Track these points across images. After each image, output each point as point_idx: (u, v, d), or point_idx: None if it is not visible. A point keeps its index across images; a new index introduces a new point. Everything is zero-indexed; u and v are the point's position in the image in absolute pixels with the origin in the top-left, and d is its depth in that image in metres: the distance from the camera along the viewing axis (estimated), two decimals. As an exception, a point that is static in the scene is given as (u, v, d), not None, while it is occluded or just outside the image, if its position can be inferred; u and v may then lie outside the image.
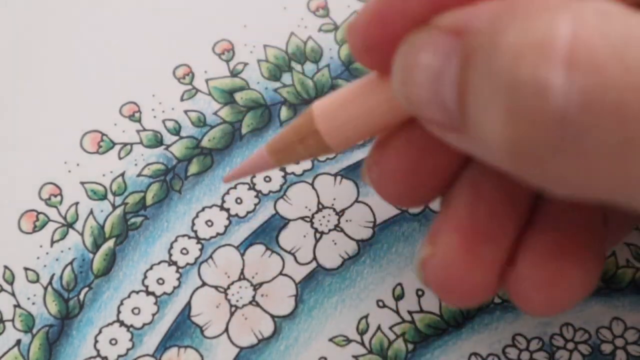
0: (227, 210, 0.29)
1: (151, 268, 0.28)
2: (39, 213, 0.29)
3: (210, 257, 0.28)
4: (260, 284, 0.28)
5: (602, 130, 0.16)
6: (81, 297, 0.27)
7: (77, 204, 0.29)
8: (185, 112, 0.30)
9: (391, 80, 0.21)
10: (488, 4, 0.19)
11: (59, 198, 0.29)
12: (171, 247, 0.28)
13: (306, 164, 0.29)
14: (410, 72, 0.20)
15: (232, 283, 0.27)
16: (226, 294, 0.27)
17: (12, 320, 0.27)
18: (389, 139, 0.23)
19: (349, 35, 0.22)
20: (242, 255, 0.28)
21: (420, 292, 0.28)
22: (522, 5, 0.18)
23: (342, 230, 0.28)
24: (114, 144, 0.30)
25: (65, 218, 0.28)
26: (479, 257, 0.22)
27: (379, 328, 0.27)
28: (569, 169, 0.17)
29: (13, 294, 0.27)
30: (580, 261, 0.22)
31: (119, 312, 0.27)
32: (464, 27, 0.19)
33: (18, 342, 0.27)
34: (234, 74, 0.31)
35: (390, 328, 0.27)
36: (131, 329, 0.27)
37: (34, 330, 0.27)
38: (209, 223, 0.28)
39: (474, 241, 0.22)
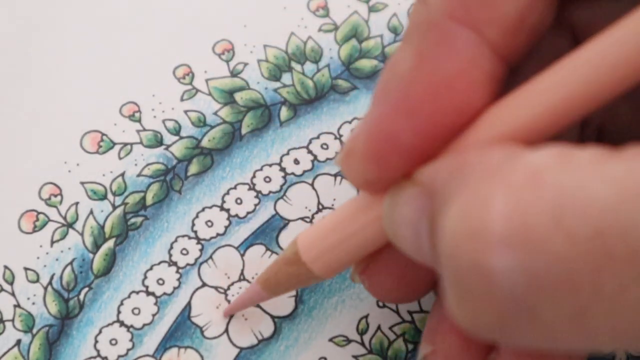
0: (227, 210, 0.29)
1: (151, 268, 0.28)
2: (39, 213, 0.29)
3: (211, 257, 0.28)
4: (260, 284, 0.28)
5: (555, 304, 0.16)
6: (81, 297, 0.27)
7: (77, 204, 0.29)
8: (185, 112, 0.30)
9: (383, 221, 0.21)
10: (449, 160, 0.19)
11: (59, 198, 0.29)
12: (171, 248, 0.28)
13: (306, 164, 0.29)
14: (394, 225, 0.20)
15: (232, 284, 0.27)
16: (226, 295, 0.27)
17: (12, 320, 0.27)
18: (374, 254, 0.24)
19: (345, 168, 0.22)
20: (242, 255, 0.28)
21: (420, 292, 0.28)
22: (464, 171, 0.18)
23: (342, 231, 0.28)
24: (114, 144, 0.30)
25: (65, 218, 0.28)
26: (477, 352, 0.23)
27: (379, 328, 0.27)
28: (530, 340, 0.17)
29: (13, 294, 0.27)
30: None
31: (119, 312, 0.27)
32: (432, 188, 0.19)
33: (18, 342, 0.27)
34: (234, 74, 0.31)
35: (390, 328, 0.27)
36: (131, 329, 0.27)
37: (34, 330, 0.27)
38: (209, 223, 0.28)
39: (471, 339, 0.23)
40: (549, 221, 0.16)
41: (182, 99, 0.30)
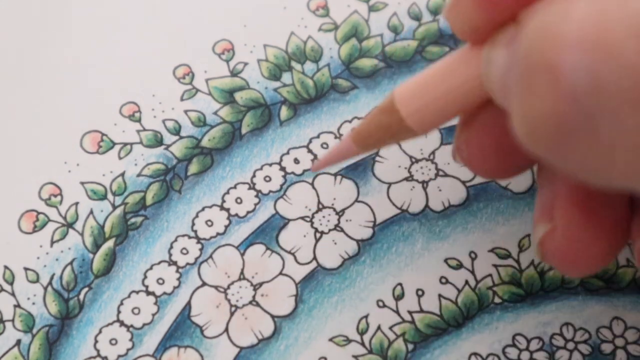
0: (227, 210, 0.29)
1: (151, 268, 0.28)
2: (39, 213, 0.29)
3: (210, 257, 0.28)
4: (260, 284, 0.28)
5: (614, 114, 0.16)
6: (81, 297, 0.27)
7: (77, 204, 0.29)
8: (185, 112, 0.30)
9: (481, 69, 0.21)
10: None
11: (59, 198, 0.29)
12: (171, 247, 0.28)
13: (306, 164, 0.29)
14: (488, 67, 0.20)
15: (232, 283, 0.27)
16: (226, 294, 0.27)
17: (12, 320, 0.27)
18: (472, 118, 0.23)
19: (452, 16, 0.22)
20: (242, 255, 0.28)
21: (420, 292, 0.28)
22: None
23: (342, 230, 0.28)
24: (114, 144, 0.30)
25: (65, 218, 0.28)
26: (600, 225, 0.22)
27: (379, 328, 0.27)
28: (584, 154, 0.17)
29: (13, 294, 0.27)
30: None
31: (119, 312, 0.27)
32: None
33: (18, 342, 0.27)
34: (234, 73, 0.31)
35: (390, 328, 0.27)
36: (131, 329, 0.27)
37: (34, 330, 0.27)
38: (209, 223, 0.28)
39: (592, 209, 0.22)
40: (627, 31, 0.16)
41: (182, 99, 0.30)
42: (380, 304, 0.27)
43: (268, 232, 0.28)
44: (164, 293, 0.27)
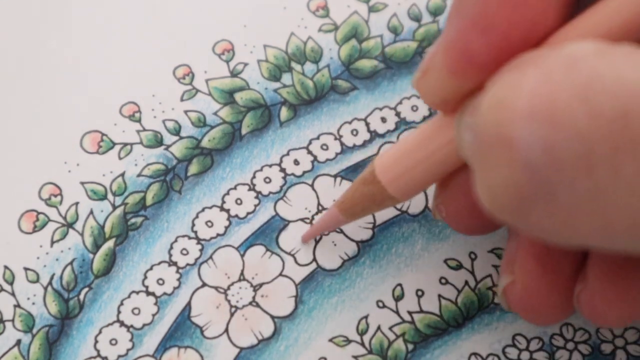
0: (227, 211, 0.29)
1: (151, 268, 0.28)
2: (39, 213, 0.29)
3: (211, 257, 0.28)
4: (260, 285, 0.28)
5: (571, 181, 0.16)
6: (81, 297, 0.27)
7: (77, 204, 0.29)
8: (185, 112, 0.30)
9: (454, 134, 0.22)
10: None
11: (59, 198, 0.29)
12: (171, 248, 0.28)
13: (306, 165, 0.29)
14: (459, 134, 0.21)
15: (232, 284, 0.28)
16: (226, 295, 0.27)
17: (12, 320, 0.27)
18: (448, 180, 0.24)
19: (422, 86, 0.22)
20: (242, 256, 0.28)
21: (420, 292, 0.28)
22: (514, 61, 0.19)
23: (342, 232, 0.28)
24: (114, 144, 0.30)
25: (65, 218, 0.28)
26: (556, 278, 0.23)
27: (378, 328, 0.27)
28: (545, 219, 0.18)
29: (13, 294, 0.27)
30: None
31: (119, 312, 0.27)
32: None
33: (18, 342, 0.27)
34: (234, 74, 0.31)
35: (390, 328, 0.27)
36: (131, 329, 0.27)
37: (34, 330, 0.27)
38: (209, 224, 0.28)
39: (550, 263, 0.23)
40: (576, 99, 0.16)
41: (182, 99, 0.30)
42: (380, 304, 0.27)
43: (268, 234, 0.28)
44: (164, 293, 0.27)
